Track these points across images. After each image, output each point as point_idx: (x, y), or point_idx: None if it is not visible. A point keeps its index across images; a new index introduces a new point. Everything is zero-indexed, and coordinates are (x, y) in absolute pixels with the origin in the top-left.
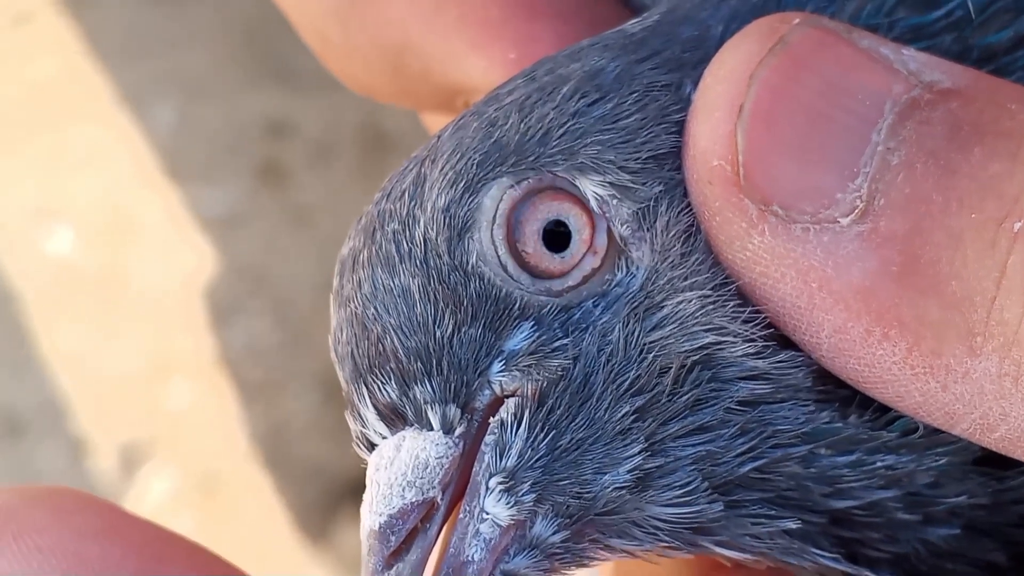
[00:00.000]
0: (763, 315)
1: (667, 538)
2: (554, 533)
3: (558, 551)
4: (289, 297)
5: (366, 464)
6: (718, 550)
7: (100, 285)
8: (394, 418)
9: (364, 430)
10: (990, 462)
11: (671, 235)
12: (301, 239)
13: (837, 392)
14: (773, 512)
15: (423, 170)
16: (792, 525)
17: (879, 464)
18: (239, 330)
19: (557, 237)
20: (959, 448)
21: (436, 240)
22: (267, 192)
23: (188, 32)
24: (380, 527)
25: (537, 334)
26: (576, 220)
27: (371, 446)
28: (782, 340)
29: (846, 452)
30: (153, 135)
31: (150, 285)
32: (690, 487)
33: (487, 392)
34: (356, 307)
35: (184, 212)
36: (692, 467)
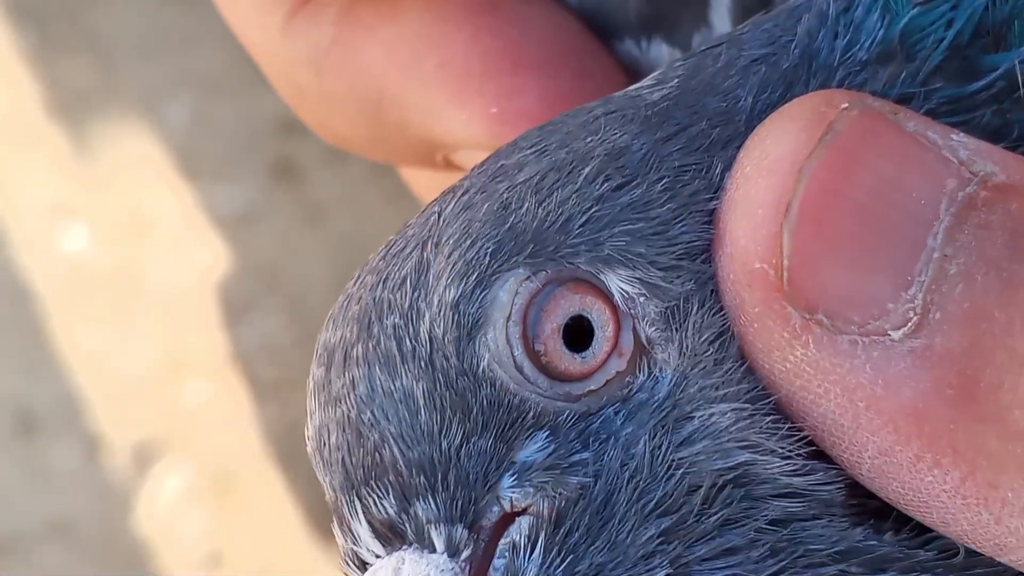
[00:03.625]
0: (803, 432)
1: None
2: None
3: None
4: (303, 295)
5: None
6: None
7: (115, 283)
8: (391, 536)
9: (356, 547)
10: None
11: (703, 339)
12: (316, 237)
13: (869, 503)
14: None
15: (426, 255)
16: None
17: None
18: (253, 328)
19: (577, 335)
20: (1000, 572)
21: (443, 339)
22: (282, 190)
23: (202, 30)
24: None
25: (553, 445)
26: (599, 316)
27: (363, 565)
28: (819, 455)
29: (879, 571)
30: (168, 133)
31: (165, 283)
32: None
33: (496, 509)
34: (349, 409)
35: (199, 210)
36: None
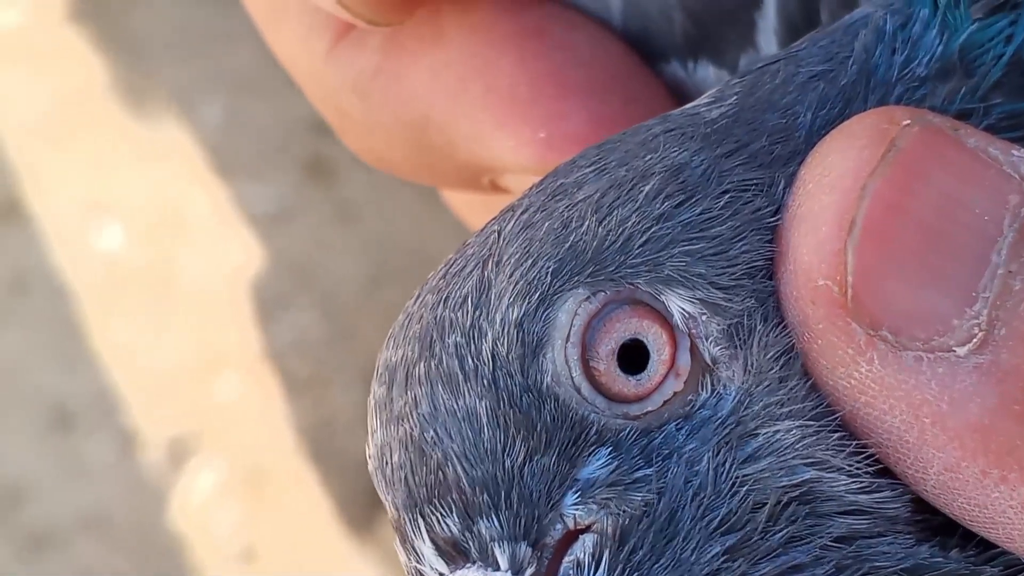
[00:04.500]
0: (868, 448)
1: None
2: None
3: None
4: (336, 292)
5: None
6: None
7: (149, 280)
8: (455, 554)
9: (419, 566)
10: None
11: (768, 356)
12: (348, 235)
13: (935, 520)
14: None
15: (487, 274)
16: None
17: None
18: (286, 325)
19: (632, 356)
20: None
21: (507, 357)
22: (314, 188)
23: (235, 30)
24: None
25: (616, 462)
26: (655, 339)
27: None
28: (885, 472)
29: None
30: (201, 132)
31: (198, 280)
32: None
33: (559, 526)
34: (412, 428)
35: (232, 208)
36: None
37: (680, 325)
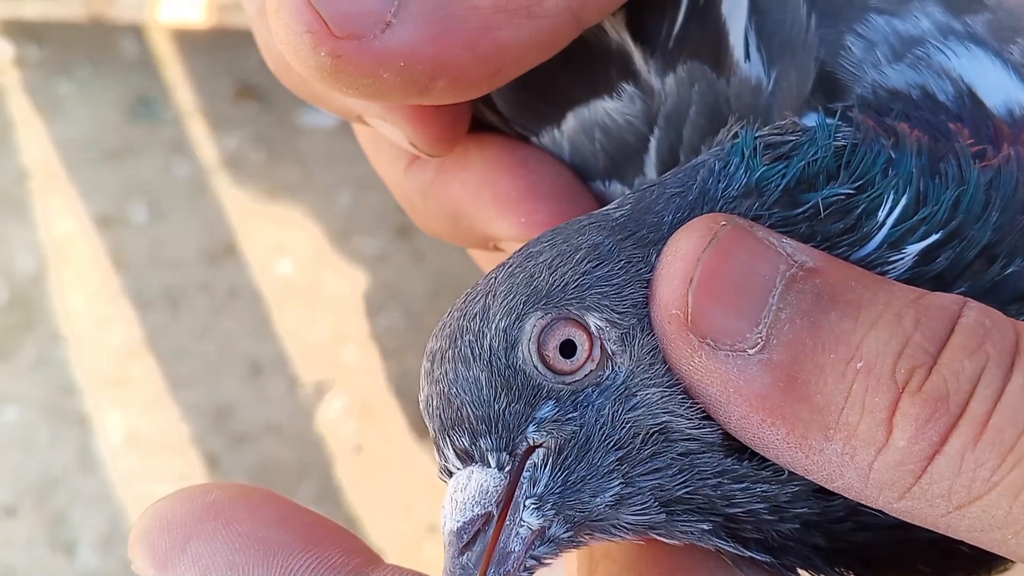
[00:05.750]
0: (698, 404)
1: (630, 533)
2: (564, 532)
3: (564, 542)
4: (411, 301)
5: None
6: (660, 538)
7: (306, 293)
8: (466, 458)
9: (446, 464)
10: (823, 491)
11: (643, 351)
12: (418, 268)
13: (735, 444)
14: (695, 518)
15: (488, 301)
16: (705, 526)
17: (758, 489)
18: (383, 319)
19: (569, 349)
20: (806, 483)
21: (497, 349)
22: (400, 241)
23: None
24: (456, 529)
25: (557, 409)
26: (581, 340)
27: (450, 474)
28: (707, 417)
29: (739, 482)
30: (338, 209)
31: (335, 292)
32: (647, 505)
33: (524, 444)
34: (444, 387)
35: (354, 251)
36: (648, 493)
37: (595, 332)
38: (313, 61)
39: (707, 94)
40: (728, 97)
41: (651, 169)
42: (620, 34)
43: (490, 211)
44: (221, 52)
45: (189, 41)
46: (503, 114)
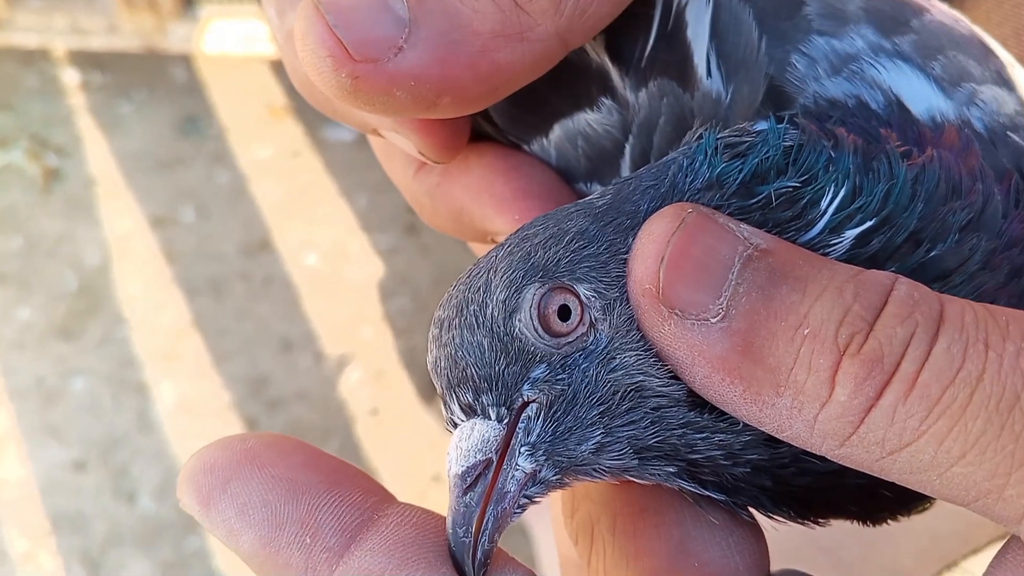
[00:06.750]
0: (668, 366)
1: (608, 475)
2: (553, 475)
3: (553, 483)
4: (418, 287)
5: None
6: (633, 479)
7: (330, 281)
8: (469, 411)
9: (452, 416)
10: (772, 440)
11: (621, 320)
12: (424, 259)
13: (699, 399)
14: (662, 463)
15: (490, 276)
16: (671, 469)
17: (717, 438)
18: (395, 302)
19: (564, 312)
20: (758, 433)
21: (498, 317)
22: (409, 237)
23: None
24: (461, 472)
25: (549, 370)
26: (574, 305)
27: (455, 425)
28: (675, 377)
29: (701, 431)
30: (355, 209)
31: (354, 281)
32: (623, 452)
33: (519, 400)
34: (451, 350)
35: (370, 246)
36: (625, 442)
37: (585, 300)
38: (335, 81)
39: (674, 106)
40: (692, 108)
41: (626, 171)
42: (600, 55)
43: (488, 210)
44: (256, 77)
45: (229, 68)
46: (499, 125)
